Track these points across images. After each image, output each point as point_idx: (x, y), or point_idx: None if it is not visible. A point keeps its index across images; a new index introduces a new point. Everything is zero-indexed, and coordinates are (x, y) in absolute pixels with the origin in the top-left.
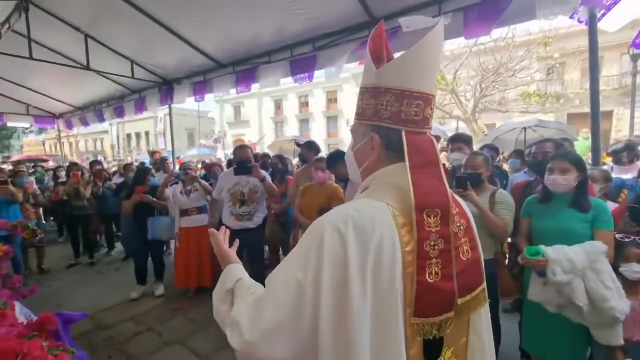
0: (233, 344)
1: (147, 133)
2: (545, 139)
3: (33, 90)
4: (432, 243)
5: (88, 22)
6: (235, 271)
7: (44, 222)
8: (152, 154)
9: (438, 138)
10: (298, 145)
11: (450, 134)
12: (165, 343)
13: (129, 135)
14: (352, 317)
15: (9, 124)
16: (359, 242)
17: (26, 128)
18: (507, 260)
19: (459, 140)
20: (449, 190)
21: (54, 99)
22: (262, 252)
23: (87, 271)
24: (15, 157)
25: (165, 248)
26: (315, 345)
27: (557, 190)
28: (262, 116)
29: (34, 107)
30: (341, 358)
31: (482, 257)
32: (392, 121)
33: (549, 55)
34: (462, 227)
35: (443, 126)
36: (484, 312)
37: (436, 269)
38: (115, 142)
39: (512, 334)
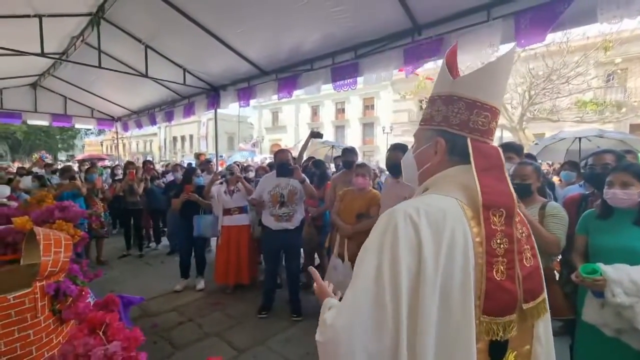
0: (317, 339)
1: (191, 136)
2: (604, 149)
3: (97, 96)
4: (498, 241)
5: (148, 34)
6: (332, 301)
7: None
8: (197, 156)
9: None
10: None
11: (495, 144)
12: (205, 334)
13: (174, 138)
14: (425, 301)
15: (77, 126)
16: (432, 232)
17: (88, 129)
18: (557, 278)
19: (510, 150)
20: (514, 193)
21: (114, 103)
22: (299, 253)
23: (137, 262)
24: (80, 156)
25: (206, 245)
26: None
27: (618, 205)
28: (299, 122)
29: (97, 110)
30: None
31: (542, 267)
32: (459, 128)
33: (609, 61)
34: (524, 234)
35: None
36: (547, 322)
37: (502, 268)
38: (162, 144)
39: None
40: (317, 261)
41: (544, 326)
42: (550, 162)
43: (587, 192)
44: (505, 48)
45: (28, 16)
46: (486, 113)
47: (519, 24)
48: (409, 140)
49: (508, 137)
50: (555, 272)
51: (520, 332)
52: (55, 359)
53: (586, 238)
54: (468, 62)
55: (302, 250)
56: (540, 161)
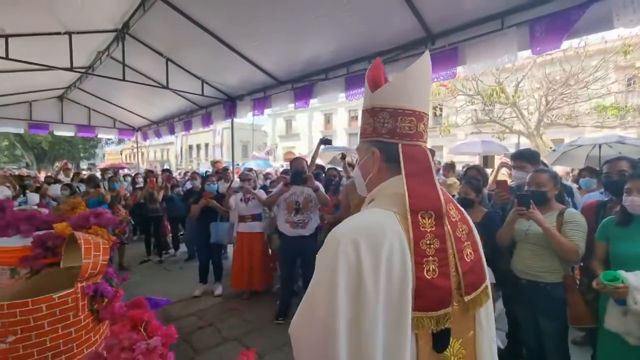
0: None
1: (206, 145)
2: (618, 156)
3: (119, 107)
4: (427, 242)
5: (169, 48)
6: None
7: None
8: (213, 163)
9: (433, 152)
10: (343, 157)
11: (512, 150)
12: (224, 339)
13: (190, 147)
14: (366, 317)
15: (99, 136)
16: (371, 250)
17: (109, 139)
18: (578, 285)
19: (521, 158)
20: (442, 195)
21: (135, 114)
22: (314, 259)
23: (157, 268)
24: (102, 164)
25: (223, 252)
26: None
27: (637, 212)
28: (312, 130)
29: (119, 121)
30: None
31: (484, 257)
32: (389, 136)
33: (629, 64)
34: (464, 232)
35: (503, 141)
36: (488, 307)
37: (433, 267)
38: (179, 153)
39: None
40: None
41: (485, 312)
42: (569, 169)
43: (605, 199)
44: (522, 55)
45: (59, 33)
46: (411, 118)
47: (534, 31)
48: None
49: (525, 143)
50: (576, 280)
51: (463, 320)
52: (99, 353)
53: (606, 245)
54: (482, 70)
55: None
56: (571, 169)
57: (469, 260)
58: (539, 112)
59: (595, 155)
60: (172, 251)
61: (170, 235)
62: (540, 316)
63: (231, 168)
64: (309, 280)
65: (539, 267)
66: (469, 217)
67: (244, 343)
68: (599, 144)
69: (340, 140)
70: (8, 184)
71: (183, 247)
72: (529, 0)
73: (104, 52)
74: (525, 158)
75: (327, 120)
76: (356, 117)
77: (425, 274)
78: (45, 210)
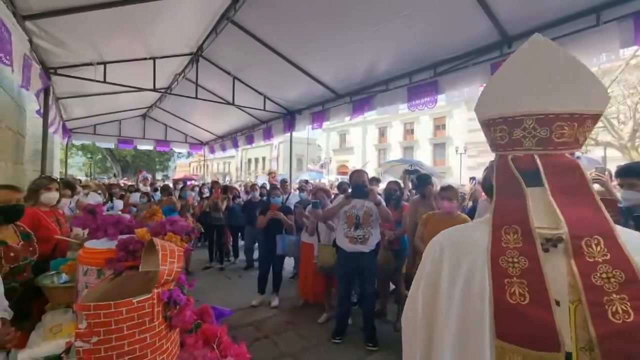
0: None
1: (263, 158)
2: None
3: (190, 123)
4: (509, 259)
5: (236, 67)
6: None
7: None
8: (269, 174)
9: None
10: (408, 172)
11: (599, 164)
12: (281, 353)
13: (249, 160)
14: (439, 313)
15: (174, 149)
16: (454, 257)
17: (180, 153)
18: None
19: (631, 174)
20: (530, 205)
21: (203, 129)
22: (373, 277)
23: (218, 275)
24: (176, 176)
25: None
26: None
27: None
28: (366, 143)
29: (190, 136)
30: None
31: None
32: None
33: None
34: (615, 279)
35: (586, 154)
36: None
37: (520, 290)
38: (239, 165)
39: None
40: (391, 287)
41: None
42: None
43: None
44: (627, 52)
45: (145, 59)
46: (502, 126)
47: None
48: (484, 161)
49: (616, 156)
50: None
51: None
52: None
53: None
54: None
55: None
56: None
57: (619, 322)
58: (633, 121)
59: None
60: (232, 259)
61: (231, 243)
62: None
63: (289, 181)
64: (369, 299)
65: None
66: (633, 262)
67: None
68: None
69: (395, 154)
70: (99, 192)
71: (242, 256)
72: None
73: (180, 74)
74: (635, 174)
75: (382, 133)
76: (412, 130)
77: (507, 296)
78: (127, 216)
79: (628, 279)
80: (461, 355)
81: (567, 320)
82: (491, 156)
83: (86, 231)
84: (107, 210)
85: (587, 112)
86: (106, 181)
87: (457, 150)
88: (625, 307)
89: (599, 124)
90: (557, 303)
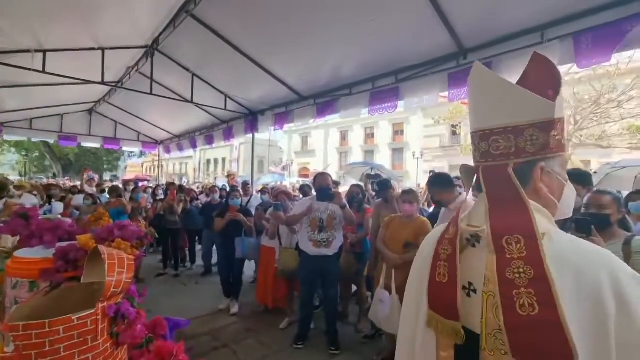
0: None
1: (223, 159)
2: None
3: (144, 120)
4: (443, 247)
5: (195, 63)
6: None
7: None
8: (228, 175)
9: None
10: (370, 177)
11: None
12: None
13: (208, 161)
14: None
15: (124, 149)
16: (422, 246)
17: (132, 152)
18: None
19: (571, 180)
20: (468, 208)
21: (159, 127)
22: (337, 280)
23: (173, 282)
24: (126, 176)
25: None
26: None
27: None
28: (327, 146)
29: (143, 134)
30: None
31: (567, 325)
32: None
33: None
34: (525, 275)
35: None
36: None
37: (443, 272)
38: (197, 166)
39: None
40: (353, 289)
41: None
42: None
43: None
44: (563, 70)
45: (93, 49)
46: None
47: (580, 44)
48: (439, 165)
49: None
50: None
51: None
52: None
53: None
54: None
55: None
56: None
57: (524, 314)
58: (567, 132)
59: None
60: (188, 264)
61: (188, 248)
62: None
63: (251, 183)
64: (332, 302)
65: None
66: (545, 260)
67: None
68: None
69: (356, 157)
70: (36, 193)
71: (200, 261)
72: (572, 12)
73: (133, 68)
74: (574, 180)
75: (343, 137)
76: (372, 135)
77: (436, 276)
78: (68, 220)
79: (536, 275)
80: (418, 323)
81: (479, 307)
82: (444, 161)
83: (16, 239)
84: (45, 214)
85: (520, 124)
86: (45, 181)
87: (414, 155)
88: (532, 301)
89: None
90: (473, 289)
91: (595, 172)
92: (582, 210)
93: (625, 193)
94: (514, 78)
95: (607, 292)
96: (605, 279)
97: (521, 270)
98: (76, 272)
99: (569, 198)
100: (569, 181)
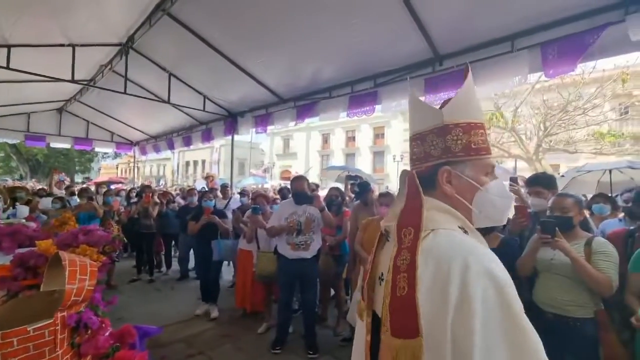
0: None
1: (203, 161)
2: None
3: (118, 120)
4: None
5: (173, 63)
6: None
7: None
8: (206, 177)
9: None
10: (350, 177)
11: (512, 173)
12: None
13: (187, 163)
14: None
15: (96, 149)
16: None
17: (105, 153)
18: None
19: (537, 184)
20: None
21: (134, 128)
22: (315, 282)
23: (147, 288)
24: (98, 178)
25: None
26: None
27: None
28: (309, 149)
29: (117, 135)
30: None
31: (419, 306)
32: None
33: (626, 93)
34: (405, 261)
35: (501, 164)
36: None
37: (370, 265)
38: (175, 168)
39: None
40: (332, 292)
41: None
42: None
43: (631, 227)
44: (533, 78)
45: (62, 45)
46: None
47: (546, 54)
48: None
49: (524, 167)
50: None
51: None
52: None
53: None
54: (493, 92)
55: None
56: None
57: (399, 295)
58: (537, 137)
59: (606, 181)
60: (164, 269)
61: (163, 253)
62: (569, 356)
63: (230, 185)
64: (310, 305)
65: (566, 299)
66: (419, 248)
67: None
68: (610, 169)
69: (338, 160)
70: None
71: (176, 266)
72: (539, 24)
73: (106, 66)
74: (541, 183)
75: (325, 140)
76: (354, 138)
77: (368, 269)
78: (33, 224)
79: (411, 261)
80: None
81: (382, 293)
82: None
83: None
84: (7, 218)
85: (421, 131)
86: (10, 183)
87: (394, 158)
88: (404, 284)
89: (511, 138)
90: (382, 278)
91: (562, 176)
92: (547, 212)
93: (589, 196)
94: (486, 85)
95: (453, 282)
96: (455, 269)
97: (404, 257)
98: (36, 279)
99: (486, 204)
100: (486, 187)
